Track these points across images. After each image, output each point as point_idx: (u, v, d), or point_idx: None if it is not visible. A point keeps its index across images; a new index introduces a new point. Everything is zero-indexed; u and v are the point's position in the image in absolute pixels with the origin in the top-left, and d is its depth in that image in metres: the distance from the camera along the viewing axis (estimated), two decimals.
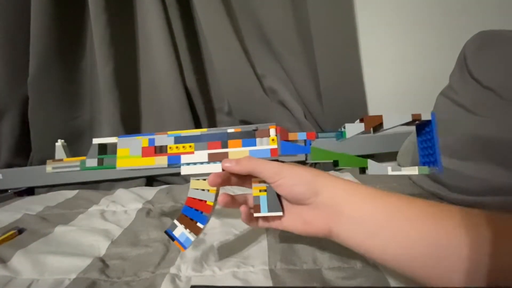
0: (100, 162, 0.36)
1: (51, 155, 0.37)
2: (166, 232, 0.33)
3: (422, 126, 0.30)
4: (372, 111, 0.78)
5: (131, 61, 0.82)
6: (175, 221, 0.33)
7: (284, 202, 0.31)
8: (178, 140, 0.34)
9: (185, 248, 0.32)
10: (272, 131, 0.32)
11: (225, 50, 0.75)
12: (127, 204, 0.60)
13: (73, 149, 0.85)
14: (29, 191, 0.85)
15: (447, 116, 0.48)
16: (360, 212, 0.26)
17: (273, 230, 0.42)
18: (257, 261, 0.35)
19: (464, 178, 0.41)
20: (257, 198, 0.31)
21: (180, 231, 0.32)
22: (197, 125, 0.83)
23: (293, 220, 0.30)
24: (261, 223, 0.32)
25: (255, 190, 0.31)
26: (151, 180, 0.83)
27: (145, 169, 0.34)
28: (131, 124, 0.82)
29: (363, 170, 0.31)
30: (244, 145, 0.32)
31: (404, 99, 0.76)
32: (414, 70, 0.75)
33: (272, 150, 0.32)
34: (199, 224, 0.32)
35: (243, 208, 0.32)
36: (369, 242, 0.25)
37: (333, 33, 0.72)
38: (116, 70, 0.77)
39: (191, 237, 0.32)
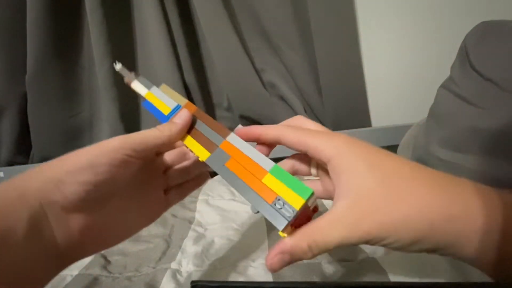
0: None
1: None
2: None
3: None
4: (373, 104, 0.77)
5: (129, 57, 0.81)
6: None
7: None
8: None
9: None
10: None
11: (224, 45, 0.75)
12: None
13: (73, 146, 0.86)
14: None
15: (447, 109, 0.48)
16: None
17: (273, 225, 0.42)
18: (257, 255, 0.36)
19: (465, 171, 0.41)
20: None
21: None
22: None
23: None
24: None
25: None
26: None
27: None
28: (130, 121, 0.82)
29: None
30: None
31: (405, 92, 0.76)
32: (415, 63, 0.74)
33: None
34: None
35: None
36: None
37: (333, 26, 0.71)
38: (114, 68, 0.77)
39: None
